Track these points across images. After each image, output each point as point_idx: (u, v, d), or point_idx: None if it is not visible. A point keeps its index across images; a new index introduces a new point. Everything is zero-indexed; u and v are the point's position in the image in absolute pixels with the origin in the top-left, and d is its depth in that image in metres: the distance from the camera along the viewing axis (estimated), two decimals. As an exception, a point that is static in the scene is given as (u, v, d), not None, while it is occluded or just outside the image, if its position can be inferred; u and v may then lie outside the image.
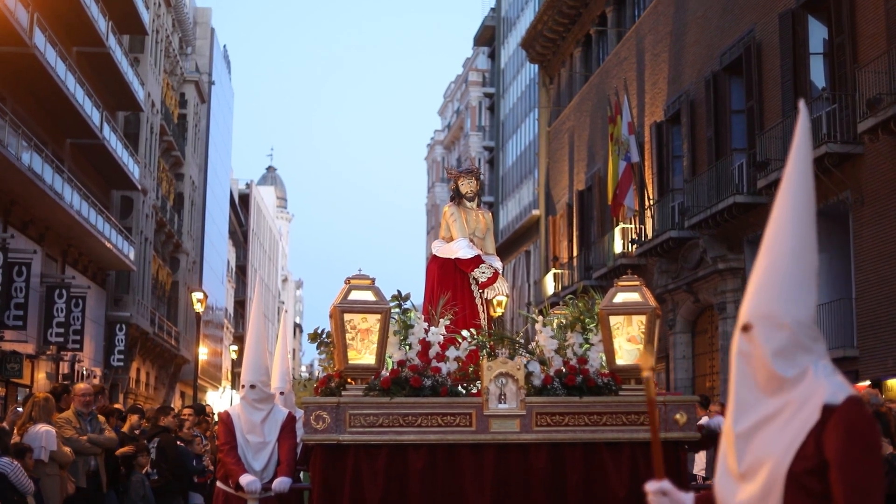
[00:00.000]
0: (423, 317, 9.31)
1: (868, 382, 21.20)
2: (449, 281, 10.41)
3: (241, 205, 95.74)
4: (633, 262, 34.61)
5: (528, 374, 8.80)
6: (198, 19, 68.71)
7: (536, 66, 53.96)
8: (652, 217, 34.84)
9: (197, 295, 39.83)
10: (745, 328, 3.21)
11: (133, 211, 46.96)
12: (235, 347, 73.20)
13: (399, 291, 9.19)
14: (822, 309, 25.03)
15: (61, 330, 34.08)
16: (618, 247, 37.06)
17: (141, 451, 13.99)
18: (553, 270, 46.42)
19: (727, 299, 29.11)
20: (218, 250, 74.94)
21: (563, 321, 9.27)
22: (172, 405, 31.99)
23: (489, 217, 11.13)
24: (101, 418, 12.95)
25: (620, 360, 8.82)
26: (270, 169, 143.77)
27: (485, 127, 75.67)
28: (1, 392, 29.69)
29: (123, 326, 43.68)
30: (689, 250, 31.38)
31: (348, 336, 8.65)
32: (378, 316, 8.67)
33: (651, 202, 35.26)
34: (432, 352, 8.99)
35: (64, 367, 36.69)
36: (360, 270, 8.96)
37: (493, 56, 72.99)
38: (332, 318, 8.75)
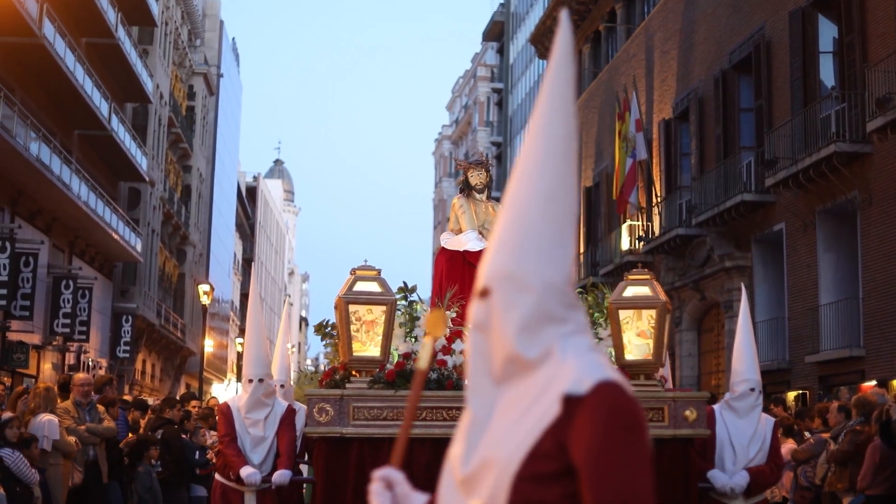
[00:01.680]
0: (430, 309, 9.00)
1: (874, 382, 21.16)
2: (457, 273, 10.21)
3: (248, 197, 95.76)
4: (640, 259, 34.56)
5: None
6: (207, 11, 68.73)
7: (545, 61, 53.88)
8: (659, 214, 34.80)
9: (203, 287, 39.86)
10: (483, 293, 2.55)
11: (140, 202, 46.99)
12: (241, 340, 73.15)
13: (405, 283, 9.11)
14: (829, 308, 25.01)
15: (68, 321, 34.10)
16: (625, 244, 37.02)
17: (152, 444, 14.02)
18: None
19: (734, 297, 29.05)
20: (225, 243, 74.98)
21: None
22: (177, 397, 32.09)
23: (499, 208, 10.97)
24: (101, 408, 12.95)
25: (630, 356, 8.66)
26: (278, 162, 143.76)
27: (493, 122, 75.64)
28: (7, 382, 29.72)
29: (130, 318, 43.69)
30: (697, 248, 31.34)
31: (353, 328, 8.52)
32: (383, 307, 8.53)
33: (659, 199, 35.22)
34: (438, 344, 8.75)
35: (70, 358, 36.71)
36: (365, 262, 8.87)
37: (502, 51, 72.95)
38: (337, 310, 8.62)
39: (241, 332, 76.75)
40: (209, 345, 53.39)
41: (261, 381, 9.13)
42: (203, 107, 64.85)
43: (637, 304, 8.67)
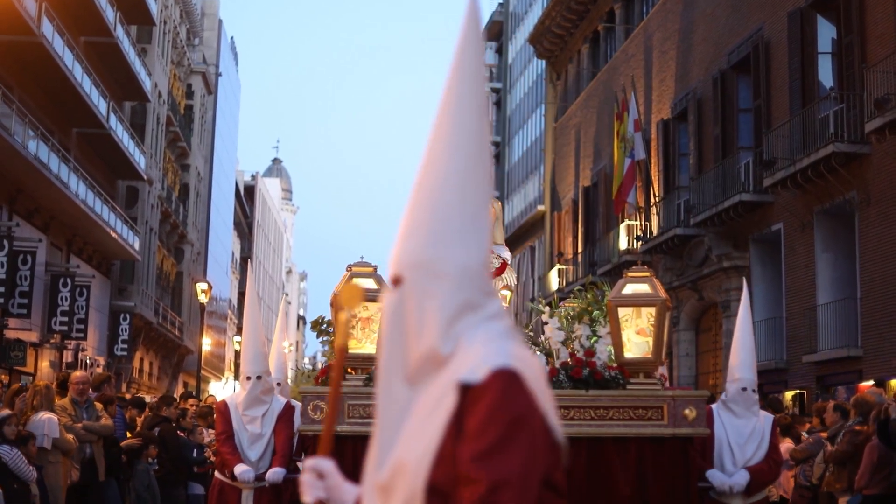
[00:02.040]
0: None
1: (872, 382, 21.17)
2: None
3: (246, 196, 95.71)
4: (638, 258, 34.56)
5: None
6: (205, 10, 68.71)
7: (544, 61, 53.90)
8: (657, 214, 34.81)
9: (201, 286, 39.86)
10: (395, 282, 2.43)
11: (138, 201, 46.99)
12: (239, 338, 73.11)
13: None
14: (827, 308, 25.01)
15: (65, 318, 34.10)
16: (623, 243, 37.02)
17: (150, 442, 14.02)
18: (557, 266, 46.37)
19: (731, 297, 29.05)
20: (222, 241, 74.97)
21: (571, 312, 9.01)
22: (175, 395, 32.08)
23: (498, 206, 10.76)
24: (99, 406, 12.95)
25: (629, 353, 8.57)
26: (276, 161, 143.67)
27: (491, 122, 75.56)
28: (4, 380, 29.71)
29: (127, 316, 43.69)
30: (694, 248, 31.35)
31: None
32: (379, 304, 8.01)
33: (657, 199, 35.23)
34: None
35: (67, 356, 36.71)
36: (361, 258, 8.80)
37: (501, 51, 72.91)
38: (333, 307, 8.45)
39: (239, 331, 76.68)
40: (207, 343, 53.37)
41: (258, 378, 9.06)
42: (201, 106, 64.83)
43: (636, 301, 8.58)
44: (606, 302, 8.69)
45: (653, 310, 8.55)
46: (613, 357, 8.67)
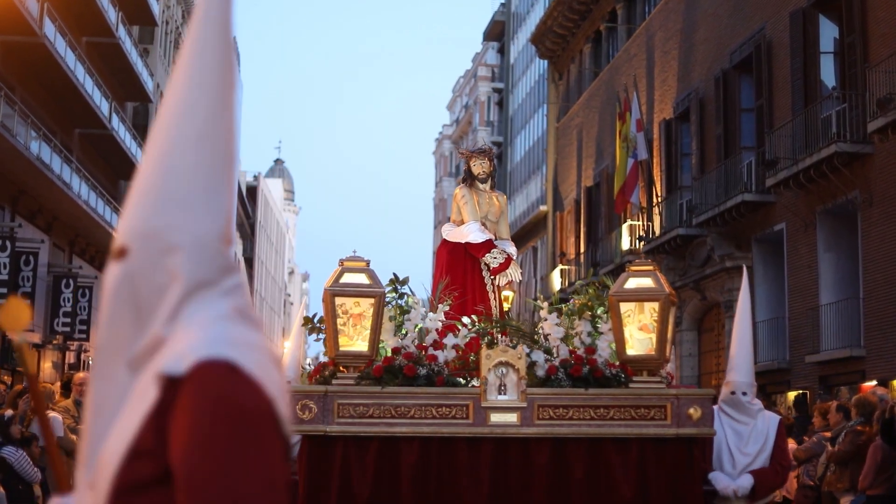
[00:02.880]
0: (419, 302, 8.90)
1: (875, 382, 21.16)
2: (459, 266, 9.91)
3: (248, 197, 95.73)
4: (640, 258, 34.55)
5: (532, 364, 8.25)
6: (208, 11, 68.72)
7: (546, 61, 53.90)
8: (660, 214, 34.80)
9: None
10: (120, 253, 2.09)
11: (141, 202, 46.96)
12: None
13: (395, 275, 8.77)
14: (830, 308, 25.00)
15: (68, 320, 34.10)
16: (625, 243, 37.02)
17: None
18: (560, 266, 46.37)
19: (734, 297, 28.99)
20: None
21: (571, 308, 8.74)
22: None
23: (503, 200, 10.57)
24: None
25: (631, 350, 8.22)
26: (278, 161, 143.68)
27: (493, 122, 75.62)
28: (7, 380, 29.72)
29: (130, 317, 43.65)
30: (697, 248, 31.34)
31: (339, 321, 8.18)
32: (371, 300, 8.17)
33: (659, 199, 35.22)
34: (429, 339, 8.49)
35: (70, 357, 36.73)
36: (354, 252, 8.62)
37: (503, 51, 72.90)
38: (324, 302, 8.32)
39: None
40: (209, 344, 53.39)
41: None
42: (203, 106, 64.84)
43: (639, 296, 8.26)
44: (608, 297, 8.40)
45: (656, 304, 8.20)
46: (616, 354, 8.38)
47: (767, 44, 28.62)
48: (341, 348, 8.22)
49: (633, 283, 8.35)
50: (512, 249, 10.26)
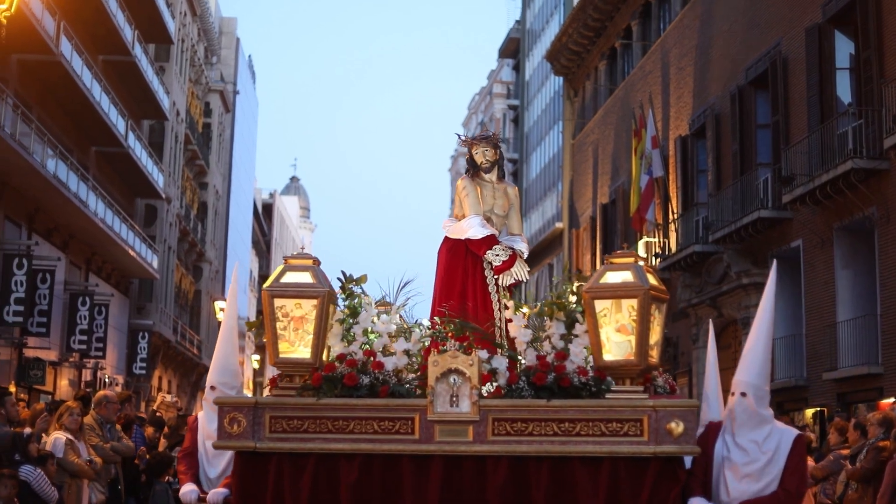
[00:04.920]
0: (372, 303, 7.90)
1: (893, 399, 21.05)
2: (458, 265, 8.84)
3: (264, 214, 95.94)
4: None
5: (493, 372, 7.30)
6: (223, 29, 68.96)
7: (561, 78, 53.92)
8: (676, 231, 34.73)
9: (219, 304, 39.93)
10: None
11: (157, 219, 47.09)
12: (258, 357, 73.35)
13: (344, 273, 7.92)
14: (847, 325, 24.89)
15: (84, 337, 34.18)
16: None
17: (168, 463, 14.00)
18: (576, 284, 46.20)
19: (751, 314, 28.91)
20: (241, 260, 75.10)
21: (541, 307, 7.75)
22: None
23: (513, 191, 9.39)
24: (118, 426, 12.96)
25: (608, 356, 7.12)
26: (294, 179, 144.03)
27: (509, 139, 75.63)
28: (24, 399, 29.79)
29: (146, 334, 43.74)
30: (713, 265, 31.26)
31: (279, 325, 7.44)
32: (314, 301, 7.39)
33: (675, 216, 35.15)
34: (378, 343, 7.61)
35: (86, 375, 36.78)
36: (301, 249, 8.09)
37: (518, 68, 72.95)
38: (262, 304, 7.54)
39: (258, 349, 77.00)
40: (225, 361, 53.38)
41: (212, 388, 8.14)
42: (219, 124, 65.01)
43: (615, 292, 7.15)
44: (581, 293, 7.33)
45: (634, 302, 7.06)
46: (592, 360, 7.32)
47: (783, 60, 28.58)
48: (281, 355, 7.50)
49: (610, 277, 7.26)
50: (521, 246, 9.08)
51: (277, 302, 7.45)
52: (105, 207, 35.18)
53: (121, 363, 42.15)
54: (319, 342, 7.42)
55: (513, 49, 73.89)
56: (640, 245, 37.14)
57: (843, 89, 26.39)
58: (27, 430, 12.14)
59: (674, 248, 34.36)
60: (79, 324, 34.05)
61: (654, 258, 35.83)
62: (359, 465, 7.18)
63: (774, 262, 8.46)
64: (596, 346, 7.18)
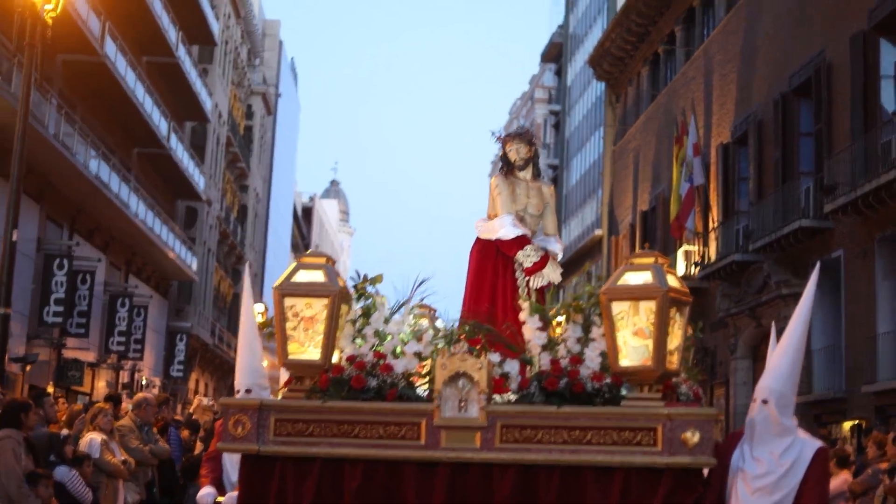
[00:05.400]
0: (385, 303, 7.63)
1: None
2: (489, 266, 8.52)
3: (303, 218, 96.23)
4: (696, 284, 34.27)
5: (505, 376, 7.11)
6: (266, 31, 69.21)
7: (603, 84, 53.79)
8: (716, 240, 34.54)
9: (258, 307, 39.93)
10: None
11: (197, 221, 47.30)
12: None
13: (358, 272, 7.71)
14: (887, 338, 24.67)
15: (123, 339, 34.38)
16: (680, 269, 36.75)
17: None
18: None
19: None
20: (280, 263, 75.29)
21: (558, 309, 7.43)
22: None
23: (549, 190, 9.00)
24: (154, 429, 13.03)
25: (625, 361, 6.81)
26: (334, 183, 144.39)
27: (550, 144, 75.52)
28: (62, 399, 29.93)
29: (184, 337, 43.94)
30: (753, 274, 31.05)
31: (289, 325, 7.22)
32: (324, 301, 7.16)
33: (715, 224, 34.96)
34: (388, 345, 7.39)
35: (124, 376, 36.96)
36: (317, 247, 7.75)
37: (560, 73, 72.84)
38: (274, 303, 7.33)
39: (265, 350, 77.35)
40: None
41: (248, 391, 8.01)
42: (261, 126, 65.26)
43: (633, 294, 6.82)
44: (599, 295, 7.02)
45: (652, 304, 6.74)
46: (609, 365, 7.02)
47: (827, 67, 28.36)
48: (290, 356, 7.27)
49: (629, 278, 6.92)
50: (555, 247, 8.76)
51: (287, 301, 7.24)
52: (146, 209, 35.39)
53: (158, 365, 42.34)
54: (329, 343, 7.20)
55: (555, 54, 73.77)
56: (680, 253, 36.95)
57: (888, 98, 26.16)
58: (64, 431, 12.20)
59: (713, 257, 34.16)
60: (117, 325, 34.25)
61: (693, 267, 35.65)
62: (363, 470, 6.96)
63: (818, 264, 8.18)
64: (612, 351, 6.86)
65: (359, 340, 7.42)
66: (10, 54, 22.98)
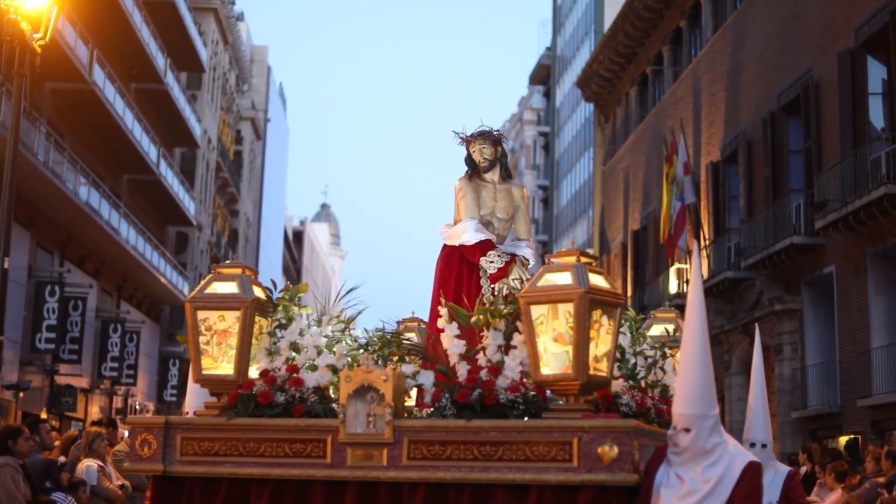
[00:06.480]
0: (304, 315, 7.33)
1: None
2: (453, 273, 8.05)
3: (294, 242, 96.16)
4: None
5: (419, 388, 6.76)
6: (254, 57, 69.31)
7: (592, 104, 53.90)
8: (708, 257, 34.57)
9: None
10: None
11: (188, 246, 47.29)
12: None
13: (274, 282, 7.45)
14: (881, 352, 24.69)
15: (115, 364, 34.31)
16: (673, 287, 36.77)
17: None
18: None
19: (784, 341, 28.76)
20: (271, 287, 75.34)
21: (477, 316, 6.96)
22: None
23: (520, 192, 8.50)
24: None
25: (546, 369, 6.35)
26: (324, 206, 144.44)
27: (539, 165, 75.64)
28: (55, 426, 29.86)
29: (177, 361, 43.85)
30: (746, 291, 31.09)
31: (202, 339, 6.94)
32: (237, 313, 6.87)
33: (707, 242, 35.00)
34: (301, 359, 7.04)
35: (117, 402, 36.87)
36: (234, 258, 7.30)
37: (549, 95, 72.99)
38: (186, 317, 7.11)
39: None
40: (256, 388, 53.51)
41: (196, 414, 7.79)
42: (250, 151, 65.28)
43: (551, 296, 6.34)
44: (517, 298, 6.59)
45: (570, 307, 6.25)
46: (531, 374, 6.59)
47: (815, 85, 28.44)
48: (204, 371, 6.98)
49: (549, 279, 6.45)
50: (525, 252, 8.24)
51: (200, 314, 6.96)
52: (137, 235, 35.35)
53: (151, 390, 42.24)
54: (244, 357, 6.92)
55: (543, 75, 73.95)
56: (672, 271, 37.00)
57: (876, 114, 26.22)
58: (61, 458, 12.18)
59: (705, 275, 34.17)
60: (110, 351, 34.18)
61: (685, 285, 35.67)
62: (270, 490, 6.65)
63: (696, 244, 8.04)
64: (532, 358, 6.41)
65: (273, 352, 7.13)
66: None
